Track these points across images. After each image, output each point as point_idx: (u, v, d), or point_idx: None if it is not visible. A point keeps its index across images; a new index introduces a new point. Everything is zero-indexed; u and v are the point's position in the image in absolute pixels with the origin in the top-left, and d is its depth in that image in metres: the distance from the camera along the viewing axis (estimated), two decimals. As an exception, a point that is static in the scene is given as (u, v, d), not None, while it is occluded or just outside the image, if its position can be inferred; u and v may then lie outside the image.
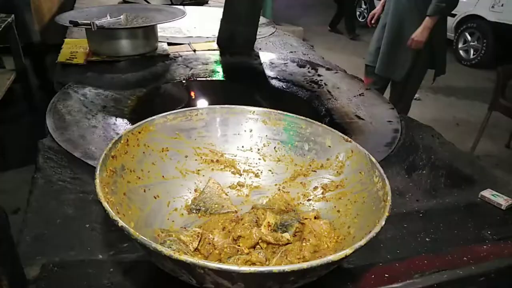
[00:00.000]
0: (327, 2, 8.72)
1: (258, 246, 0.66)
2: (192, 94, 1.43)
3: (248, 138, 0.85)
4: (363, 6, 7.06)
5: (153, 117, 0.76)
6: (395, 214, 0.71)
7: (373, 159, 0.70)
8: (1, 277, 0.50)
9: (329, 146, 0.79)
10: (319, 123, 0.81)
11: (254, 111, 0.85)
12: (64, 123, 1.07)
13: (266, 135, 0.85)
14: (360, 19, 7.14)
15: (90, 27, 1.41)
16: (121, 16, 1.58)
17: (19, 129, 2.81)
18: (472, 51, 5.03)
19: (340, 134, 0.78)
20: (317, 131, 0.81)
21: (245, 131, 0.85)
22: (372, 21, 2.58)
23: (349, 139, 0.76)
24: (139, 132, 0.73)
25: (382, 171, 0.67)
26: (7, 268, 0.51)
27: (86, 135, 1.03)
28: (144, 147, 0.74)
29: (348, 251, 0.50)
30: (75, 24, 1.42)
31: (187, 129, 0.81)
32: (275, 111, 0.84)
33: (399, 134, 1.15)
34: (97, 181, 0.57)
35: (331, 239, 0.66)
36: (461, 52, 5.15)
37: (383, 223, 0.56)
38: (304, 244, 0.64)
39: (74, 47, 1.67)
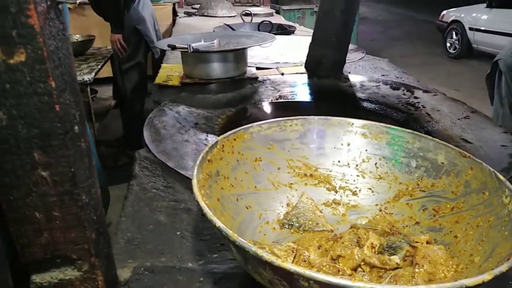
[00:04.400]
0: (413, 36, 8.43)
1: (359, 268, 0.58)
2: (280, 113, 1.41)
3: (346, 152, 0.79)
4: (454, 36, 6.69)
5: (249, 125, 0.74)
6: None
7: (501, 177, 0.60)
8: (97, 271, 0.48)
9: (442, 163, 0.70)
10: (430, 137, 0.72)
11: (353, 123, 0.79)
12: (159, 136, 1.10)
13: (366, 150, 0.78)
14: (450, 50, 6.77)
15: (186, 50, 1.48)
16: (215, 41, 1.64)
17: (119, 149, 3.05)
18: None
19: (457, 149, 0.68)
20: (427, 146, 0.72)
21: (342, 144, 0.79)
22: None
23: (468, 154, 0.66)
24: (234, 139, 0.71)
25: (515, 190, 0.56)
26: (103, 263, 0.50)
27: (179, 148, 1.05)
28: (238, 154, 0.71)
29: (486, 276, 0.41)
30: (173, 47, 1.51)
31: (281, 139, 0.78)
32: (377, 123, 0.77)
33: (517, 160, 0.99)
34: (195, 181, 0.54)
35: (449, 267, 0.56)
36: None
37: (527, 248, 0.45)
38: (417, 270, 0.54)
39: (170, 71, 1.77)
